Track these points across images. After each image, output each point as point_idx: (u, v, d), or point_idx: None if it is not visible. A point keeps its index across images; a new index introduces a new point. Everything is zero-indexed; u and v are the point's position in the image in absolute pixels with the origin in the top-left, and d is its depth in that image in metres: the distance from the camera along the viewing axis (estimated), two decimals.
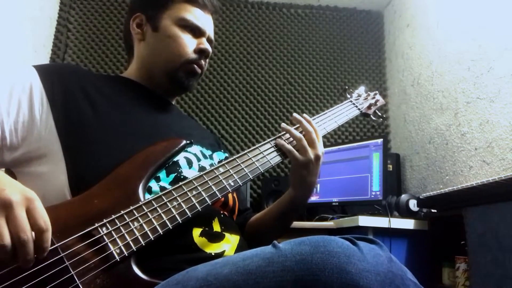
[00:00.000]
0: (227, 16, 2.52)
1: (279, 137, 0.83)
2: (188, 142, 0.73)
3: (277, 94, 2.44)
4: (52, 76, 0.72)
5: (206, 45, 0.87)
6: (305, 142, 0.81)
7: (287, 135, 0.84)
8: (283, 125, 0.85)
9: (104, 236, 0.56)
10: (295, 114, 0.86)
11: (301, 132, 0.83)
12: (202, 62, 0.87)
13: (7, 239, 0.46)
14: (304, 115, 0.87)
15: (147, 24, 0.87)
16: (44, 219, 0.50)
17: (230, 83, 2.41)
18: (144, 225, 0.59)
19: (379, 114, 1.13)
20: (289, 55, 2.51)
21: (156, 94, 0.89)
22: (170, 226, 0.61)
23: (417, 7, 2.20)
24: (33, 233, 0.49)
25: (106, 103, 0.74)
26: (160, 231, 0.60)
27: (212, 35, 0.91)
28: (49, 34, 2.28)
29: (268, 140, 0.82)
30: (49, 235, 0.50)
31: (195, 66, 0.86)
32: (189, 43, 0.85)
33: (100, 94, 0.75)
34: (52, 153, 0.66)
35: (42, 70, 0.72)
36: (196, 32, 0.87)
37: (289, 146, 0.81)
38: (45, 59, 2.23)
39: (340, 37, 2.58)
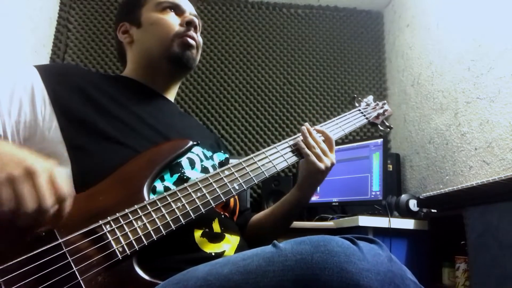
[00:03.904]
0: (227, 16, 2.52)
1: (294, 139, 0.86)
2: (195, 143, 0.74)
3: (277, 94, 2.44)
4: (54, 76, 0.72)
5: (191, 16, 0.88)
6: (325, 147, 0.85)
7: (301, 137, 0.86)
8: (304, 126, 0.86)
9: (107, 234, 0.56)
10: (316, 127, 0.89)
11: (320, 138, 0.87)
12: (193, 33, 0.87)
13: (32, 207, 0.47)
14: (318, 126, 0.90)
15: (132, 27, 0.90)
16: (65, 188, 0.51)
17: (230, 83, 2.41)
18: (147, 224, 0.60)
19: (387, 124, 1.13)
20: (289, 55, 2.51)
21: (157, 92, 0.89)
22: (173, 227, 0.61)
23: (417, 7, 2.20)
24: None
25: (108, 103, 0.74)
26: (163, 232, 0.60)
27: (194, 12, 0.92)
28: (49, 34, 2.28)
29: (282, 142, 0.84)
30: (68, 204, 0.52)
31: (187, 38, 0.86)
32: (173, 19, 0.87)
33: (102, 93, 0.75)
34: (57, 153, 0.66)
35: (43, 70, 0.72)
36: (177, 10, 0.89)
37: (308, 150, 0.83)
38: (45, 59, 2.23)
39: (340, 37, 2.58)
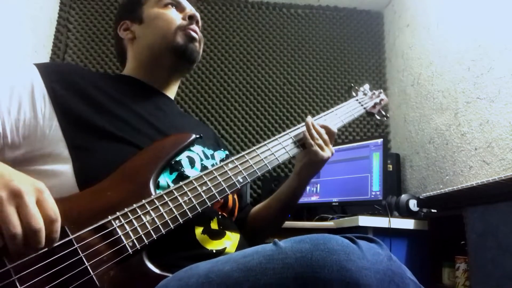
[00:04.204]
0: (227, 16, 2.52)
1: (294, 130, 0.87)
2: (197, 136, 0.74)
3: (277, 94, 2.44)
4: (53, 74, 0.72)
5: (192, 11, 0.90)
6: (327, 138, 0.87)
7: (303, 129, 0.87)
8: (308, 119, 0.88)
9: (117, 229, 0.57)
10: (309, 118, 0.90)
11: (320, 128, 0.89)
12: (195, 27, 0.89)
13: (19, 228, 0.46)
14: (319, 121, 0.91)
15: (133, 24, 0.90)
16: (54, 210, 0.49)
17: (230, 83, 2.42)
18: (156, 219, 0.60)
19: (383, 113, 1.14)
20: (289, 55, 2.51)
21: (157, 90, 0.89)
22: (181, 221, 0.62)
23: (417, 7, 2.20)
24: None
25: (108, 102, 0.74)
26: (171, 226, 0.61)
27: (194, 10, 0.94)
28: (49, 34, 2.28)
29: (283, 133, 0.86)
30: (58, 226, 0.50)
31: (190, 31, 0.88)
32: (175, 15, 0.88)
33: (102, 93, 0.75)
34: (58, 152, 0.66)
35: (43, 68, 0.72)
36: (178, 6, 0.91)
37: (312, 141, 0.85)
38: (45, 59, 2.23)
39: (340, 37, 2.58)
